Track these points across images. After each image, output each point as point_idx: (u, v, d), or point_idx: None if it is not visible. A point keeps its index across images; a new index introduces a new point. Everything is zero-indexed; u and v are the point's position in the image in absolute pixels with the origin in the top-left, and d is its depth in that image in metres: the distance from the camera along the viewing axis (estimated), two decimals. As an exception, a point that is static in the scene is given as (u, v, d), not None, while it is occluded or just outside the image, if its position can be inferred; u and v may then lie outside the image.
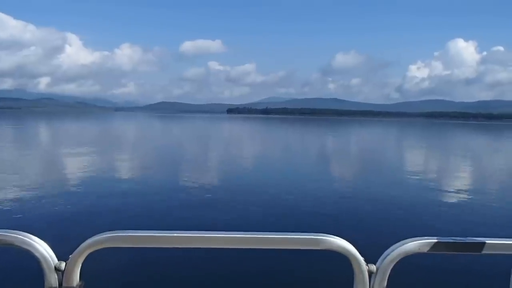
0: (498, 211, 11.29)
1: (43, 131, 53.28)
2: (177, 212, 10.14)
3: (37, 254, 1.15)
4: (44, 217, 9.10)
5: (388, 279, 1.24)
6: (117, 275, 5.88)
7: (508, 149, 45.04)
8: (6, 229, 1.18)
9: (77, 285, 1.17)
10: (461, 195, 13.65)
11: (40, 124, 74.50)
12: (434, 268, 6.07)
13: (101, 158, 22.12)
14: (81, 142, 33.21)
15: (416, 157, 29.02)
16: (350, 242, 1.22)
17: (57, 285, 1.16)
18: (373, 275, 1.22)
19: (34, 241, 1.16)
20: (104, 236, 1.17)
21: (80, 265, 1.18)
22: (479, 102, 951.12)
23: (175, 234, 1.19)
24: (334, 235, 1.23)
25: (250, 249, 1.21)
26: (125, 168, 18.37)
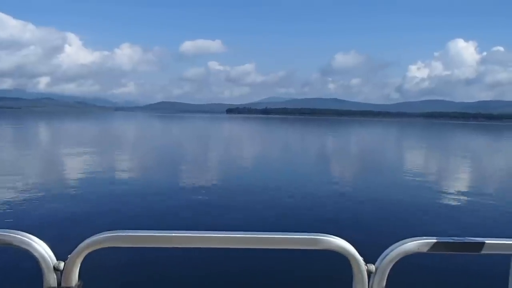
0: (497, 212, 11.29)
1: (42, 131, 53.11)
2: (176, 212, 10.14)
3: (35, 254, 1.15)
4: (43, 217, 9.09)
5: (387, 279, 1.24)
6: (116, 275, 5.87)
7: (508, 149, 45.04)
8: (4, 228, 1.17)
9: (76, 285, 1.17)
10: (461, 196, 13.66)
11: (39, 124, 74.13)
12: (433, 268, 6.08)
13: (100, 158, 22.10)
14: (80, 142, 33.15)
15: (415, 158, 29.01)
16: (349, 242, 1.22)
17: (56, 285, 1.15)
18: (372, 275, 1.22)
19: (33, 240, 1.16)
20: (103, 236, 1.17)
21: (79, 265, 1.17)
22: (479, 102, 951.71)
23: (174, 234, 1.18)
24: (333, 235, 1.23)
25: (249, 249, 1.20)
26: (125, 168, 18.32)
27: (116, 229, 1.19)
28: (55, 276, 1.15)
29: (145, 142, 37.40)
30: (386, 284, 1.23)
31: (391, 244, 1.25)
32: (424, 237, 1.25)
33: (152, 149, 29.40)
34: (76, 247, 1.17)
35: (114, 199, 11.21)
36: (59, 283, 1.16)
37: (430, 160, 27.72)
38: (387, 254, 1.23)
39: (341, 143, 45.28)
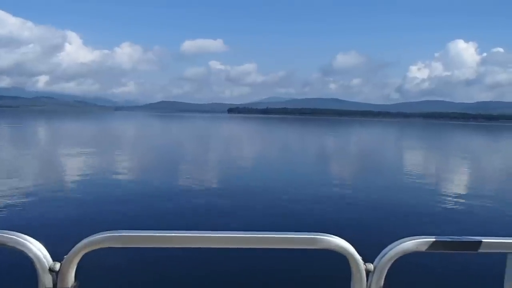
0: (495, 211, 11.32)
1: (41, 130, 52.83)
2: (175, 212, 10.14)
3: (30, 255, 1.13)
4: (39, 217, 9.02)
5: (385, 278, 1.24)
6: (114, 276, 5.84)
7: (508, 150, 45.06)
8: None
9: (72, 286, 1.15)
10: (459, 195, 13.67)
11: (38, 123, 73.64)
12: (431, 267, 6.10)
13: (98, 158, 22.02)
14: (79, 141, 33.01)
15: (415, 158, 29.02)
16: (348, 241, 1.23)
17: (51, 286, 1.14)
18: (370, 274, 1.23)
19: (28, 241, 1.14)
20: (100, 236, 1.16)
21: (76, 266, 1.16)
22: (478, 103, 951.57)
23: (172, 234, 1.18)
24: (333, 234, 1.23)
25: (249, 248, 1.21)
26: (123, 168, 18.26)
27: (113, 229, 1.18)
28: (50, 277, 1.13)
29: (144, 142, 37.37)
30: (384, 283, 1.24)
31: (389, 243, 1.26)
32: (422, 236, 1.26)
33: (151, 149, 29.37)
34: (72, 247, 1.16)
35: (112, 200, 11.15)
36: (54, 284, 1.14)
37: (429, 160, 27.72)
38: (385, 253, 1.24)
39: (341, 143, 45.28)
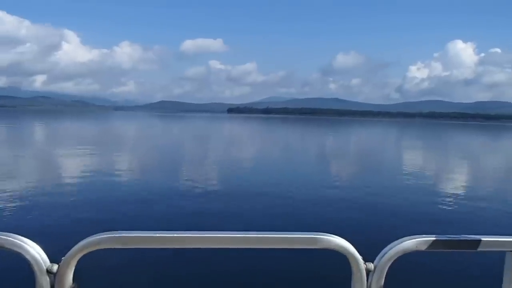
0: (494, 210, 11.35)
1: (38, 131, 52.02)
2: (175, 212, 10.14)
3: (27, 257, 1.11)
4: (37, 218, 8.96)
5: (385, 277, 1.25)
6: (112, 277, 5.80)
7: (506, 149, 45.10)
8: None
9: None
10: (458, 195, 13.71)
11: (35, 123, 72.39)
12: (431, 266, 6.11)
13: (97, 159, 21.85)
14: (77, 142, 32.66)
15: (414, 157, 29.03)
16: (349, 241, 1.23)
17: None
18: (370, 273, 1.23)
19: (25, 243, 1.13)
20: (98, 237, 1.14)
21: (74, 268, 1.14)
22: (477, 103, 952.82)
23: (171, 235, 1.17)
24: (333, 234, 1.24)
25: (249, 248, 1.20)
26: (122, 169, 18.10)
27: (112, 230, 1.17)
28: (48, 279, 1.12)
29: (143, 142, 37.24)
30: (384, 282, 1.24)
31: (389, 243, 1.27)
32: (422, 235, 1.26)
33: (150, 149, 29.26)
34: (70, 249, 1.14)
35: (110, 201, 11.08)
36: (52, 286, 1.13)
37: (429, 160, 27.74)
38: (385, 253, 1.24)
39: (341, 143, 45.31)
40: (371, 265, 1.23)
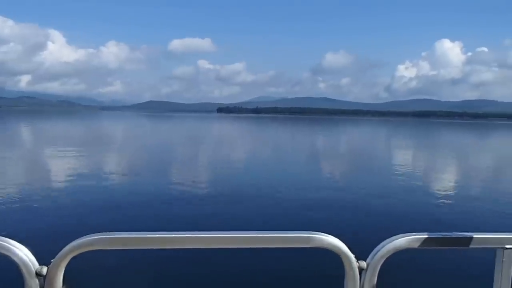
0: (484, 207, 11.55)
1: (24, 131, 51.29)
2: (165, 213, 10.07)
3: (15, 259, 1.10)
4: (25, 221, 8.84)
5: (378, 275, 1.25)
6: (103, 279, 5.75)
7: (493, 147, 45.96)
8: None
9: None
10: (449, 192, 13.93)
11: (21, 124, 71.22)
12: (424, 263, 6.19)
13: (84, 159, 21.54)
14: (65, 142, 32.20)
15: (405, 156, 29.38)
16: (341, 240, 1.24)
17: None
18: (363, 272, 1.24)
19: (13, 245, 1.11)
20: (88, 238, 1.13)
21: (63, 270, 1.13)
22: (464, 101, 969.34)
23: (162, 235, 1.16)
24: (325, 232, 1.24)
25: (242, 248, 1.20)
26: (111, 170, 17.92)
27: (101, 232, 1.15)
28: (37, 282, 1.10)
29: (132, 142, 36.82)
30: (377, 280, 1.25)
31: (382, 241, 1.27)
32: (414, 233, 1.27)
33: (139, 149, 28.93)
34: (59, 251, 1.13)
35: (100, 202, 10.96)
36: None
37: (419, 159, 28.12)
38: (378, 251, 1.25)
39: (331, 142, 45.61)
40: (363, 264, 1.24)
